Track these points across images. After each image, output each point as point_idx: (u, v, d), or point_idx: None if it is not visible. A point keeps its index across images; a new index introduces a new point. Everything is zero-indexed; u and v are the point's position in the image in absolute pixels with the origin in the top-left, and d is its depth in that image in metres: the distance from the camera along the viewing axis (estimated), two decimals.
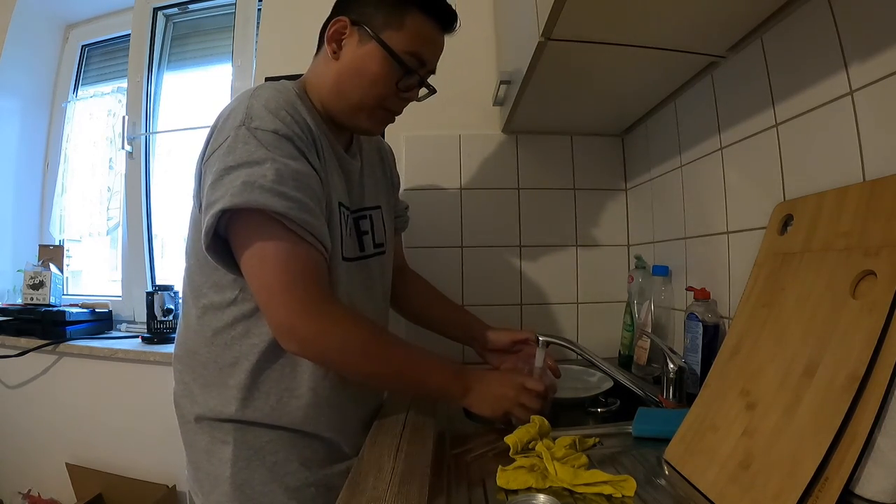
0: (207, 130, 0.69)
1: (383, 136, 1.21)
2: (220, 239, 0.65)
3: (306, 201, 0.63)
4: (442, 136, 1.29)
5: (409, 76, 0.73)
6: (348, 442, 0.76)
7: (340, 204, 0.75)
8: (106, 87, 1.93)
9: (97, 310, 1.70)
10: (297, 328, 0.63)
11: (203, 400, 0.72)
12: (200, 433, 0.72)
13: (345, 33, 0.72)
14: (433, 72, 0.78)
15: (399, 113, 0.78)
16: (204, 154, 0.67)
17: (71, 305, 1.69)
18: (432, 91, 0.79)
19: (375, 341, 0.67)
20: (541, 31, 0.71)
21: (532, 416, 0.68)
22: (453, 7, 0.75)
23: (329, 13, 0.75)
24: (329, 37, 0.73)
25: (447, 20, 0.75)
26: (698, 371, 0.81)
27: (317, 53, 0.79)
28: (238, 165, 0.61)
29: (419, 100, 0.79)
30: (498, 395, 0.71)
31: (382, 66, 0.71)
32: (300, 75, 0.79)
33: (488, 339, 0.94)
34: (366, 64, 0.71)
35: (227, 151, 0.62)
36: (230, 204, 0.59)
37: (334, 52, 0.73)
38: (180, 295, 0.78)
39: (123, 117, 1.80)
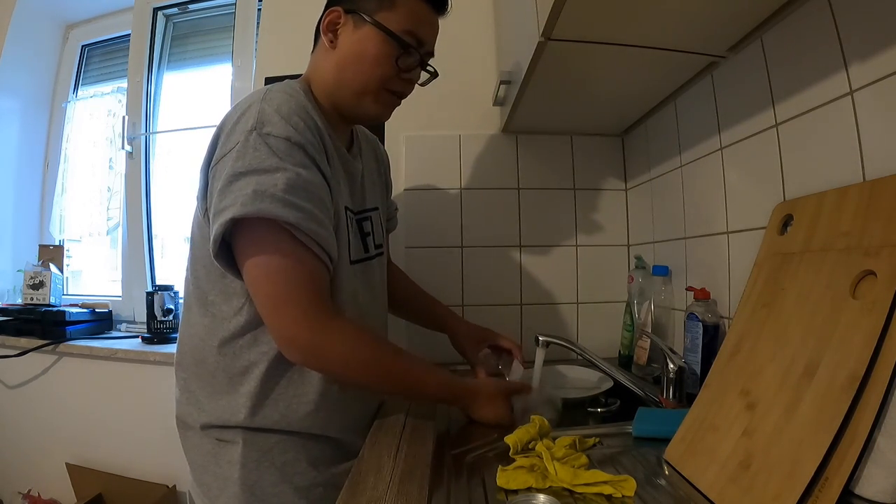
0: (208, 130, 0.69)
1: (383, 135, 1.21)
2: (227, 245, 0.65)
3: (315, 212, 0.63)
4: (442, 136, 1.28)
5: (408, 54, 0.74)
6: (355, 440, 0.76)
7: (347, 209, 0.75)
8: (106, 87, 1.94)
9: (97, 310, 1.70)
10: (300, 339, 0.63)
11: (210, 408, 0.71)
12: (206, 437, 0.72)
13: (339, 22, 0.74)
14: (432, 54, 0.78)
15: (404, 95, 0.78)
16: (211, 157, 0.67)
17: (71, 305, 1.69)
18: (434, 75, 0.80)
19: (378, 355, 0.68)
20: (541, 31, 0.71)
21: (532, 416, 0.68)
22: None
23: None
24: (324, 28, 0.75)
25: (438, 1, 0.76)
26: (698, 371, 0.81)
27: (314, 49, 0.79)
28: (248, 172, 0.60)
29: (422, 84, 0.80)
30: (497, 413, 0.76)
31: (380, 46, 0.72)
32: (301, 75, 0.79)
33: (459, 332, 1.01)
34: (364, 47, 0.72)
35: (238, 157, 0.61)
36: (240, 213, 0.59)
37: (331, 42, 0.74)
38: (182, 298, 0.77)
39: (123, 117, 1.80)
